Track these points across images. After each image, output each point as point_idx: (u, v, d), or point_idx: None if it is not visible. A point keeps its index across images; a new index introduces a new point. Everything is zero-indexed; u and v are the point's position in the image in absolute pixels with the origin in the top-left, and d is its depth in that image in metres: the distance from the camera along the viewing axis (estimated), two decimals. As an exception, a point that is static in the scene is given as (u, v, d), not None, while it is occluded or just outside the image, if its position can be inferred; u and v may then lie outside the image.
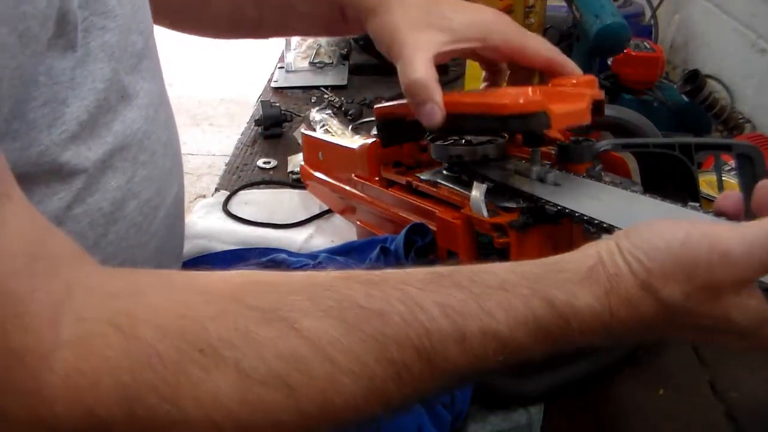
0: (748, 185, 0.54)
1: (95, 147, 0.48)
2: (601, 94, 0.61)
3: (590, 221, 0.52)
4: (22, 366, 0.33)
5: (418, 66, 0.60)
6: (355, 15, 0.67)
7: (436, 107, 0.59)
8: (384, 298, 0.39)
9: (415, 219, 0.67)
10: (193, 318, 0.36)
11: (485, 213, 0.58)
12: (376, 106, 0.73)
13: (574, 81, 0.63)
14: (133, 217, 0.52)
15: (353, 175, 0.77)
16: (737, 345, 0.43)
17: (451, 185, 0.66)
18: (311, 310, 0.37)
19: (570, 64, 0.65)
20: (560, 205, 0.56)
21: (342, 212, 0.87)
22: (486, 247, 0.60)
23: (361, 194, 0.76)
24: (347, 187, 0.79)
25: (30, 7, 0.40)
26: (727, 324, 0.41)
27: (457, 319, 0.39)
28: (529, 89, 0.57)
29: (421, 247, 0.64)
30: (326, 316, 0.37)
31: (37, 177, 0.44)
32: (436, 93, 0.59)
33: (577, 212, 0.54)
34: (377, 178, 0.74)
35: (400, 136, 0.72)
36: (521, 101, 0.55)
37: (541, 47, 0.64)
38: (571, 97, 0.59)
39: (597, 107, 0.60)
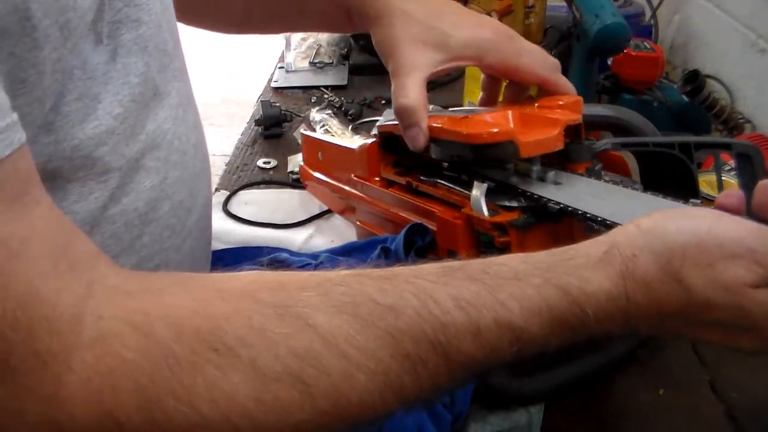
0: (747, 184, 0.54)
1: (128, 144, 0.48)
2: (577, 118, 0.62)
3: (593, 218, 0.52)
4: (45, 368, 0.33)
5: (410, 91, 0.63)
6: (360, 20, 0.69)
7: (420, 133, 0.62)
8: (397, 293, 0.39)
9: (415, 219, 0.67)
10: (208, 315, 0.36)
11: (486, 212, 0.58)
12: (378, 124, 0.74)
13: (561, 102, 0.64)
14: (167, 219, 0.52)
15: (353, 175, 0.77)
16: (748, 344, 0.42)
17: (451, 185, 0.66)
18: (324, 306, 0.37)
19: (563, 83, 0.67)
20: (562, 203, 0.56)
21: (341, 212, 0.87)
22: (486, 246, 0.60)
23: (360, 194, 0.76)
24: (347, 188, 0.79)
25: (69, 0, 0.40)
26: (744, 318, 0.40)
27: (471, 312, 0.39)
28: (508, 117, 0.60)
29: (421, 248, 0.64)
30: (340, 312, 0.37)
31: (72, 173, 0.44)
32: (422, 119, 0.62)
33: (579, 210, 0.54)
34: (377, 179, 0.74)
35: (400, 152, 0.72)
36: (491, 131, 0.58)
37: (535, 67, 0.66)
38: (544, 123, 0.60)
39: (576, 130, 0.61)
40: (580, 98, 0.65)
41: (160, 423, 0.34)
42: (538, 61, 0.66)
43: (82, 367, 0.34)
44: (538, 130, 0.59)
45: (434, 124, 0.62)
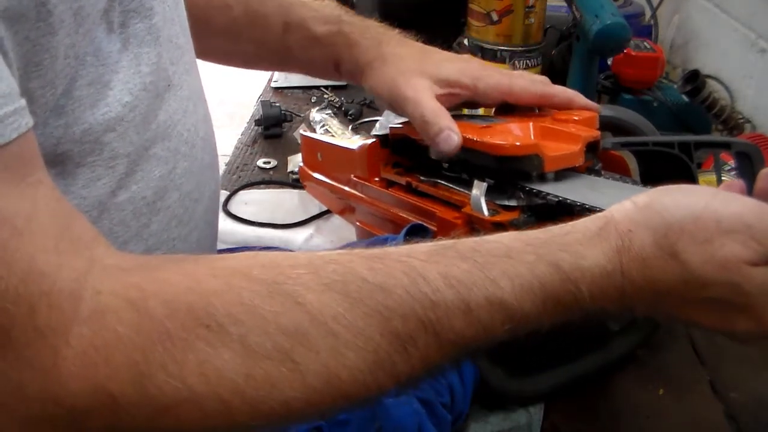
0: (747, 183, 0.54)
1: (138, 132, 0.48)
2: (597, 134, 0.63)
3: (591, 209, 0.52)
4: (44, 341, 0.34)
5: (426, 102, 0.64)
6: (350, 69, 0.72)
7: (452, 133, 0.62)
8: (387, 271, 0.39)
9: (415, 219, 0.67)
10: (201, 292, 0.36)
11: (486, 212, 0.58)
12: (390, 126, 0.74)
13: (576, 117, 0.64)
14: (174, 209, 0.53)
15: (353, 175, 0.77)
16: (743, 325, 0.42)
17: (451, 185, 0.66)
18: (314, 284, 0.38)
19: (560, 93, 0.67)
20: (560, 196, 0.56)
21: (341, 213, 0.87)
22: None
23: (360, 195, 0.76)
24: (346, 188, 0.79)
25: None
26: (739, 296, 0.40)
27: (461, 290, 0.39)
28: (530, 129, 0.61)
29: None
30: (329, 290, 0.38)
31: (81, 158, 0.45)
32: (450, 121, 0.63)
33: (578, 201, 0.54)
34: (377, 179, 0.74)
35: (409, 155, 0.72)
36: (516, 144, 0.59)
37: (527, 85, 0.67)
38: (566, 138, 0.61)
39: (593, 146, 0.62)
40: (595, 114, 0.66)
41: (152, 396, 0.35)
42: (527, 80, 0.68)
43: (79, 341, 0.34)
44: (561, 145, 0.60)
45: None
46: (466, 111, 0.75)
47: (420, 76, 0.66)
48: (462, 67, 0.68)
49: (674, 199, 0.42)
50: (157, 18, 0.50)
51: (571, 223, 0.43)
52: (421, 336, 0.38)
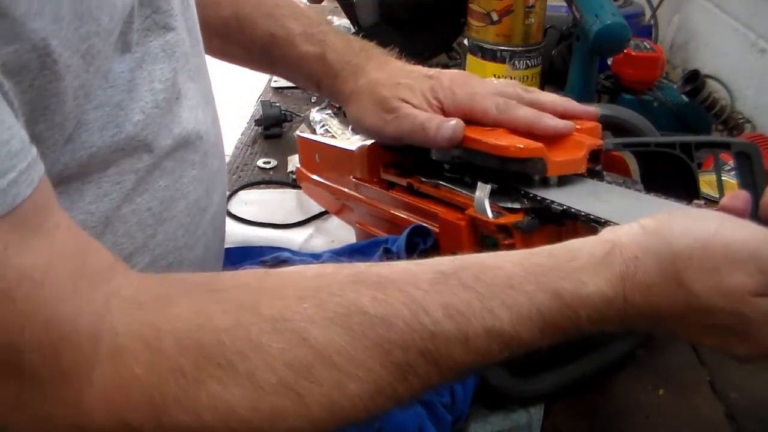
0: (747, 183, 0.54)
1: (148, 149, 0.48)
2: (600, 143, 0.63)
3: (596, 221, 0.52)
4: (69, 381, 0.36)
5: (410, 114, 0.65)
6: (330, 94, 0.74)
7: (450, 122, 0.62)
8: (389, 303, 0.40)
9: (416, 221, 0.67)
10: (211, 329, 0.38)
11: (490, 214, 0.58)
12: None
13: (578, 127, 0.64)
14: (181, 218, 0.53)
15: (352, 177, 0.77)
16: (742, 350, 0.42)
17: (453, 186, 0.66)
18: (319, 318, 0.39)
19: (520, 119, 0.63)
20: (565, 205, 0.55)
21: (337, 213, 0.87)
22: (490, 248, 0.60)
23: (360, 196, 0.76)
24: (346, 189, 0.78)
25: (93, 26, 0.40)
26: (742, 324, 0.41)
27: (460, 321, 0.40)
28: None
29: (424, 251, 0.64)
30: (333, 324, 0.39)
31: (88, 176, 0.45)
32: (442, 117, 0.63)
33: (582, 211, 0.54)
34: (377, 180, 0.74)
35: (410, 157, 0.72)
36: (522, 146, 0.59)
37: (487, 109, 0.64)
38: (570, 144, 0.61)
39: (595, 154, 0.62)
40: (599, 124, 0.65)
41: (169, 428, 0.37)
42: (489, 102, 0.64)
43: (100, 380, 0.37)
44: (565, 151, 0.60)
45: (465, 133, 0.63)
46: None
47: (397, 101, 0.66)
48: (432, 86, 0.67)
49: (682, 226, 0.42)
50: (171, 34, 0.49)
51: (578, 244, 0.44)
52: (421, 365, 0.40)
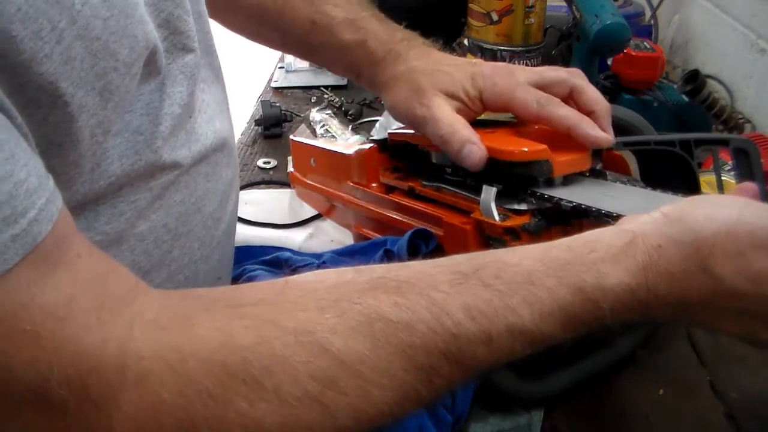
0: (744, 179, 0.54)
1: (164, 170, 0.48)
2: None
3: (608, 215, 0.52)
4: (98, 411, 0.36)
5: (442, 119, 0.63)
6: (369, 83, 0.72)
7: (473, 147, 0.60)
8: (410, 307, 0.40)
9: (417, 224, 0.66)
10: (234, 347, 0.38)
11: (497, 217, 0.58)
12: (389, 131, 0.74)
13: None
14: (197, 232, 0.52)
15: (350, 181, 0.76)
16: (765, 334, 0.42)
17: (457, 190, 0.65)
18: (341, 328, 0.39)
19: (559, 118, 0.61)
20: (575, 202, 0.55)
21: (332, 216, 0.86)
22: None
23: (358, 201, 0.75)
24: (343, 194, 0.78)
25: (110, 61, 0.39)
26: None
27: (482, 321, 0.40)
28: (538, 134, 0.61)
29: (427, 254, 0.64)
30: (355, 333, 0.39)
31: (103, 198, 0.45)
32: (472, 133, 0.61)
33: (594, 207, 0.54)
34: (375, 185, 0.73)
35: (408, 159, 0.72)
36: (527, 150, 0.59)
37: (527, 102, 0.63)
38: (574, 143, 0.61)
39: (597, 152, 0.62)
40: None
41: None
42: (531, 95, 0.63)
43: (128, 406, 0.37)
44: (569, 150, 0.60)
45: None
46: (485, 115, 0.73)
47: (434, 93, 0.65)
48: (473, 74, 0.65)
49: (706, 212, 0.42)
50: (190, 56, 0.48)
51: (593, 238, 0.43)
52: (444, 366, 0.40)
